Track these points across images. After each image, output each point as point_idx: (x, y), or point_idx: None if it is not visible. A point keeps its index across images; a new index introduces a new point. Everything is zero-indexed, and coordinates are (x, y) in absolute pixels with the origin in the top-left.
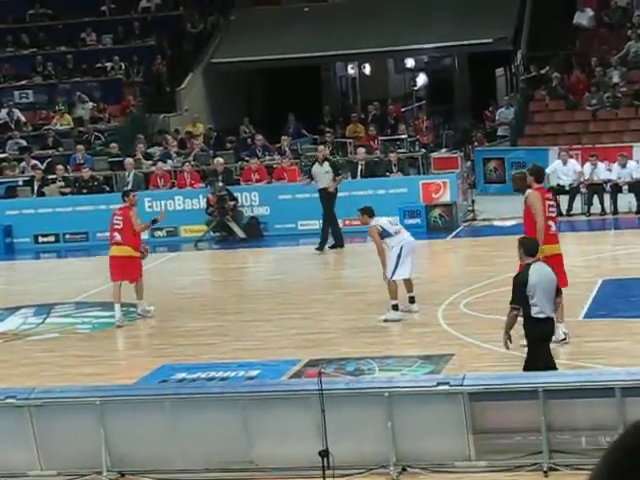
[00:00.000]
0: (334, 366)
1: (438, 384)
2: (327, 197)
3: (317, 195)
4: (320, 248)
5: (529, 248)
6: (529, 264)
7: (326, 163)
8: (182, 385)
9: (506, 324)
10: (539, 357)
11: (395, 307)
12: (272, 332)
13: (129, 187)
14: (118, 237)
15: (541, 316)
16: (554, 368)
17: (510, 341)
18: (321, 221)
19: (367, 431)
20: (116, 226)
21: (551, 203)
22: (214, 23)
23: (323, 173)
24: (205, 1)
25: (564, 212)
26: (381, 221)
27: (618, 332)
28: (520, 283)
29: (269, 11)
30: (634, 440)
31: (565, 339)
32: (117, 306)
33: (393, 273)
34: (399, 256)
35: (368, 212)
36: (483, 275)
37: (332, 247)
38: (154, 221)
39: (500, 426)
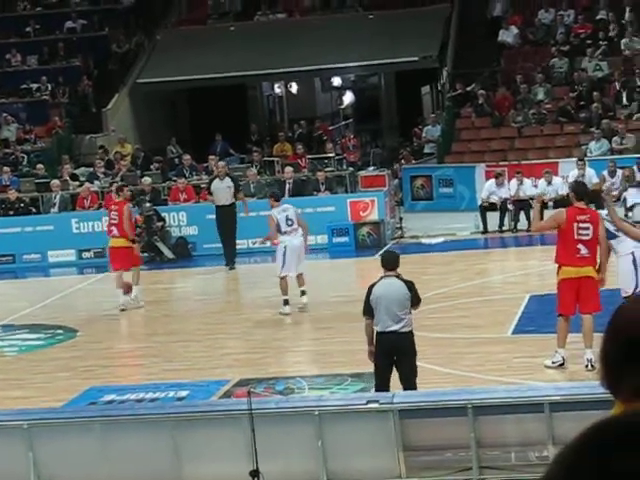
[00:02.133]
0: (264, 385)
1: (368, 402)
2: (230, 213)
3: (252, 214)
4: (232, 265)
5: (385, 261)
6: (382, 276)
7: (227, 178)
8: (111, 407)
9: (366, 335)
10: (376, 368)
11: (285, 302)
12: (201, 352)
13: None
14: (115, 231)
15: (377, 329)
16: (381, 387)
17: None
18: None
19: (297, 450)
20: (112, 221)
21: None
22: (139, 43)
23: (224, 188)
24: (130, 21)
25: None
26: (279, 215)
27: (546, 347)
28: (367, 294)
29: (195, 30)
30: (589, 442)
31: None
32: (120, 291)
33: (281, 271)
34: (284, 255)
35: (274, 196)
36: None
37: (228, 266)
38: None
39: (430, 443)
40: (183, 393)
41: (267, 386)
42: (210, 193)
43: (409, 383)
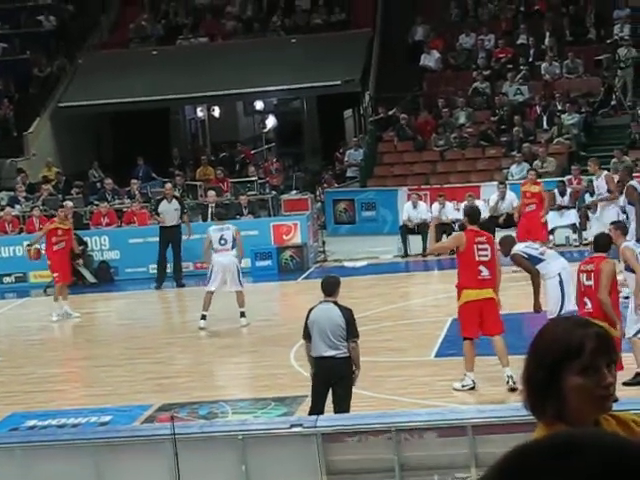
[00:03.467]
0: (187, 410)
1: (292, 426)
2: (176, 233)
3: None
4: (160, 285)
5: (324, 287)
6: (321, 301)
7: (174, 200)
8: (33, 432)
9: (307, 357)
10: (312, 391)
11: (202, 317)
12: (124, 377)
13: None
14: None
15: (311, 354)
16: (314, 411)
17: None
18: (173, 260)
19: (221, 475)
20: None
21: (482, 247)
22: (61, 67)
23: (172, 210)
24: (52, 44)
25: (411, 252)
26: (213, 235)
27: None
28: (306, 318)
29: (117, 54)
30: (512, 465)
31: (472, 387)
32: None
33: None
34: (211, 272)
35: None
36: None
37: (157, 288)
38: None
39: (354, 467)
40: (106, 418)
41: (190, 411)
42: (157, 214)
43: (339, 407)
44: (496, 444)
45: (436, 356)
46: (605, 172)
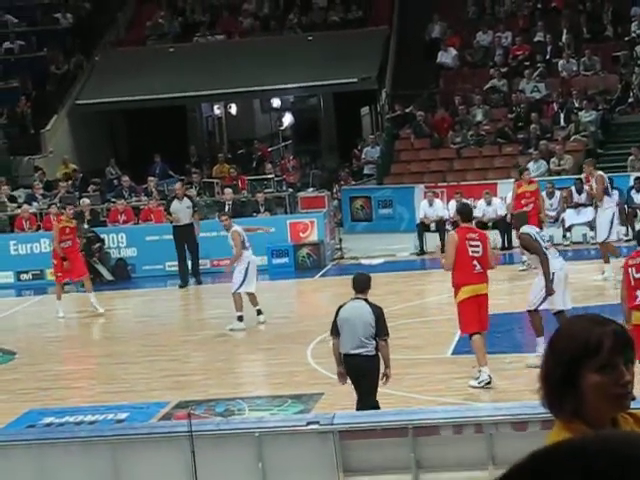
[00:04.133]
0: (204, 407)
1: (308, 423)
2: (190, 232)
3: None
4: (185, 284)
5: (355, 283)
6: (352, 298)
7: (186, 199)
8: (50, 429)
9: (334, 355)
10: (360, 393)
11: (240, 318)
12: (141, 374)
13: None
14: None
15: (341, 351)
16: (365, 405)
17: (343, 374)
18: (190, 258)
19: (238, 472)
20: None
21: (474, 243)
22: (78, 64)
23: (185, 209)
24: (69, 42)
25: (428, 249)
26: (244, 234)
27: None
28: (335, 315)
29: (134, 51)
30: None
31: (488, 382)
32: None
33: (240, 286)
34: (246, 271)
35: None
36: None
37: (181, 287)
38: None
39: (371, 464)
40: (122, 415)
41: (207, 408)
42: (169, 214)
43: (362, 403)
44: (513, 442)
45: (453, 354)
46: (599, 173)
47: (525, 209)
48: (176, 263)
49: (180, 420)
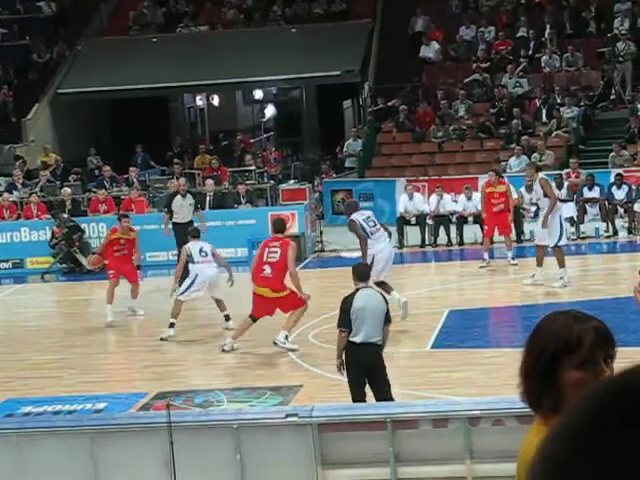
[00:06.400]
0: (182, 398)
1: (287, 416)
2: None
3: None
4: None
5: (360, 274)
6: (358, 288)
7: (189, 196)
8: (28, 419)
9: (337, 348)
10: (349, 381)
11: (172, 325)
12: (120, 364)
13: None
14: None
15: (355, 340)
16: (359, 399)
17: (344, 367)
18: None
19: (216, 463)
20: None
21: None
22: (61, 53)
23: (187, 206)
24: (51, 30)
25: (407, 243)
26: (192, 248)
27: (464, 362)
28: (346, 306)
29: (117, 41)
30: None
31: None
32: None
33: (183, 293)
34: (193, 282)
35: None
36: (331, 306)
37: None
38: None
39: (349, 457)
40: (101, 405)
41: (186, 399)
42: (169, 211)
43: (383, 394)
44: (492, 436)
45: (432, 347)
46: (540, 175)
47: (495, 209)
48: (156, 254)
49: (159, 411)
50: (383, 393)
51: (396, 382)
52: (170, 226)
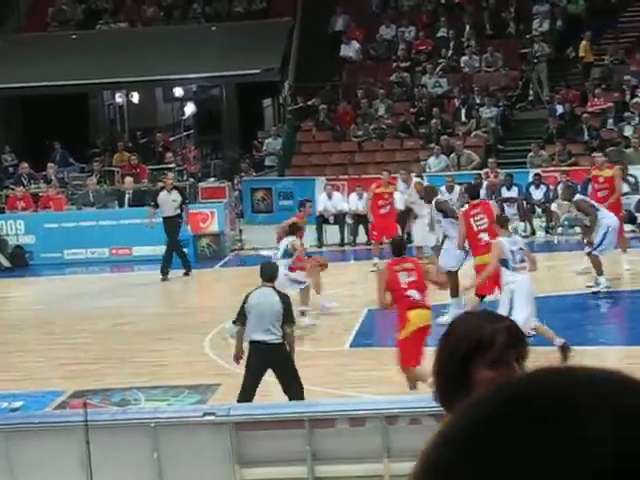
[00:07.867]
0: (100, 397)
1: (204, 414)
2: (172, 225)
3: (91, 224)
4: (166, 274)
5: (262, 272)
6: (259, 286)
7: (174, 191)
8: None
9: (236, 341)
10: (244, 377)
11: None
12: (36, 363)
13: None
14: None
15: (254, 337)
16: (245, 397)
17: (241, 358)
18: (164, 249)
19: (133, 462)
20: None
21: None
22: None
23: (170, 201)
24: None
25: (326, 242)
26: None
27: (383, 360)
28: (243, 302)
29: (35, 37)
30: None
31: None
32: None
33: None
34: None
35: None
36: None
37: (185, 274)
38: None
39: (266, 456)
40: (17, 404)
41: (103, 397)
42: (156, 205)
43: (292, 393)
44: (409, 435)
45: (350, 346)
46: (415, 179)
47: (382, 211)
48: (75, 251)
49: (75, 409)
50: (291, 392)
51: (314, 381)
52: (154, 219)
